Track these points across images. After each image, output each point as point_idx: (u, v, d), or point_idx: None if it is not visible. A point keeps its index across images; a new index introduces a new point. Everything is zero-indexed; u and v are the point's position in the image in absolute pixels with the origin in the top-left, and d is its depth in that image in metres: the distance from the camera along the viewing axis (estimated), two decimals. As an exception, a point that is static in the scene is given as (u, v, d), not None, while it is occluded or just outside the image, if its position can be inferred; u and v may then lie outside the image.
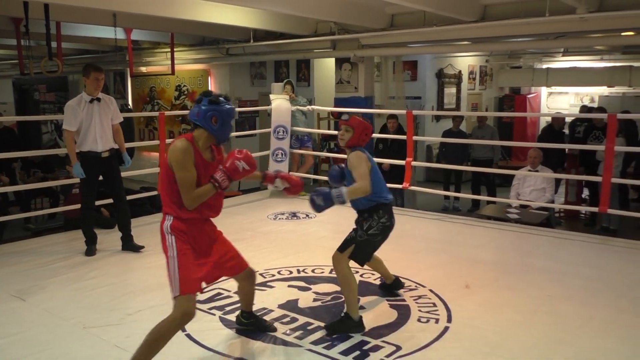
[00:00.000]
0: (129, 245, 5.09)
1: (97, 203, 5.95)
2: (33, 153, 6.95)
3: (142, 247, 5.05)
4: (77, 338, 3.31)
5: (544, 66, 12.99)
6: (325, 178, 8.50)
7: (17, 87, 10.91)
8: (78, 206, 5.78)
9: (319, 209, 3.23)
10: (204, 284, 3.02)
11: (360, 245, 3.44)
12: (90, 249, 4.98)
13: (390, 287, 3.97)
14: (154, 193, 6.62)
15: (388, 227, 3.50)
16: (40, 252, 5.04)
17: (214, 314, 3.61)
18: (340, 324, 3.35)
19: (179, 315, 2.83)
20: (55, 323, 3.51)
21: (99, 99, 4.89)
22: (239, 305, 3.72)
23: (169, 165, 2.88)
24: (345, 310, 3.40)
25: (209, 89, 11.35)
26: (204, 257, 3.01)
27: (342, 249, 3.46)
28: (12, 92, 13.16)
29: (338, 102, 9.17)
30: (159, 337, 2.80)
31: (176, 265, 2.88)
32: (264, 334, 3.31)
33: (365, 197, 3.37)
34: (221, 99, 2.99)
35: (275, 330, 3.38)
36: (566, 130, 9.29)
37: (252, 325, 3.40)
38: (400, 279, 4.02)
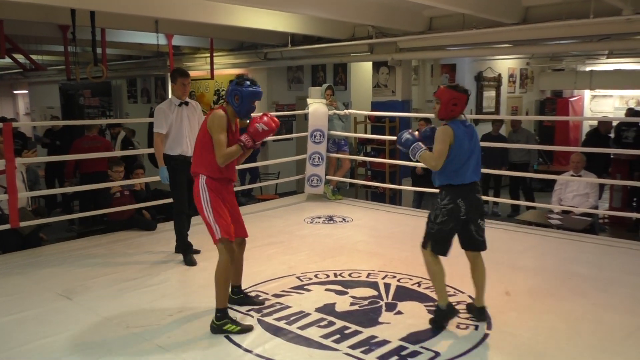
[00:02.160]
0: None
1: (139, 206, 6.14)
2: (79, 156, 7.15)
3: (198, 251, 4.97)
4: (120, 337, 3.40)
5: (588, 68, 12.65)
6: (362, 182, 8.51)
7: (63, 92, 11.31)
8: (121, 209, 5.96)
9: (400, 142, 3.58)
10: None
11: (434, 237, 3.45)
12: (189, 259, 4.81)
13: (472, 310, 3.63)
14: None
15: (453, 210, 3.38)
16: (84, 253, 5.19)
17: (252, 316, 3.64)
18: (436, 315, 3.48)
19: (227, 256, 3.42)
20: (99, 322, 3.61)
21: (187, 103, 4.93)
22: (276, 307, 3.77)
23: (208, 130, 3.47)
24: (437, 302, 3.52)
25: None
26: (229, 211, 3.56)
27: (423, 244, 3.50)
28: (59, 96, 13.62)
29: (375, 106, 9.15)
30: (222, 279, 3.42)
31: (211, 213, 3.45)
32: (302, 338, 3.33)
33: (437, 175, 3.45)
34: (246, 82, 3.52)
35: (261, 304, 3.81)
36: (612, 135, 9.02)
37: (241, 301, 3.81)
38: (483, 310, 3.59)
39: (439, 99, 3.44)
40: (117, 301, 3.96)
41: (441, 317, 3.45)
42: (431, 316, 3.54)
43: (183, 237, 4.90)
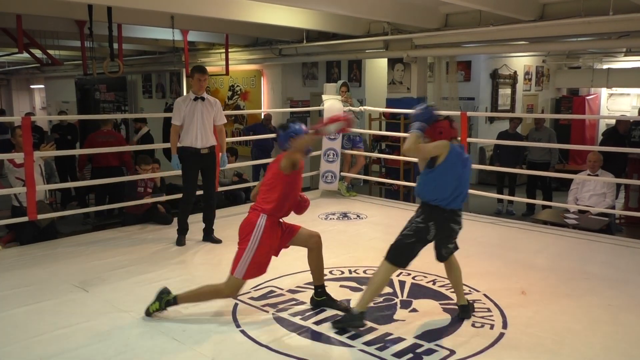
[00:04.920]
0: (209, 237, 5.36)
1: (152, 200, 6.17)
2: (94, 151, 7.22)
3: (220, 241, 5.28)
4: (136, 330, 3.43)
5: (605, 66, 12.49)
6: (376, 179, 8.47)
7: (79, 87, 11.39)
8: (134, 203, 6.03)
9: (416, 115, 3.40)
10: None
11: (394, 245, 3.45)
12: (180, 239, 5.26)
13: (460, 311, 3.59)
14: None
15: (422, 230, 3.36)
16: (101, 246, 5.24)
17: (267, 311, 3.66)
18: (344, 318, 3.41)
19: (227, 292, 3.49)
20: (115, 314, 3.64)
21: (203, 98, 5.14)
22: (292, 303, 3.78)
23: (280, 169, 3.42)
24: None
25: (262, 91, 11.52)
26: (276, 247, 3.58)
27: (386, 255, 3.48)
28: (74, 91, 13.72)
29: (390, 103, 9.11)
30: (204, 295, 3.56)
31: (252, 254, 3.40)
32: (318, 334, 3.34)
33: (420, 186, 3.44)
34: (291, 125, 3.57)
35: (345, 309, 3.58)
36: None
37: (323, 303, 3.68)
38: (473, 306, 3.65)
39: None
40: (132, 294, 3.99)
41: (349, 320, 3.38)
42: (447, 314, 3.52)
43: (183, 221, 5.28)
